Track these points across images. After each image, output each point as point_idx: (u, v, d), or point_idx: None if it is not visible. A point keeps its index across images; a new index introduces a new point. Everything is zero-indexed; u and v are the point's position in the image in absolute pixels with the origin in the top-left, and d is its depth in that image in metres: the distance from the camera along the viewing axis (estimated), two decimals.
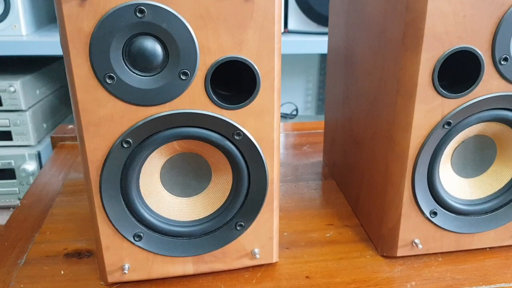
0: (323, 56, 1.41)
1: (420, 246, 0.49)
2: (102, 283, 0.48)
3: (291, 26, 1.01)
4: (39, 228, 0.60)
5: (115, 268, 0.47)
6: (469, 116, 0.45)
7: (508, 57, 0.43)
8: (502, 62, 0.43)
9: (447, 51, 0.42)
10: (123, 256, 0.46)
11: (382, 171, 0.49)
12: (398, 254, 0.50)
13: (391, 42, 0.45)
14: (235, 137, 0.43)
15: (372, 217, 0.54)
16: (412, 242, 0.50)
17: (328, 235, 0.57)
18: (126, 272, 0.46)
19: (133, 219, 0.45)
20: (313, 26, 1.00)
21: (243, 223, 0.47)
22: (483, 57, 0.43)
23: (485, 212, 0.50)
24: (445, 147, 0.46)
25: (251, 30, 0.40)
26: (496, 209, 0.50)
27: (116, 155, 0.42)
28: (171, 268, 0.48)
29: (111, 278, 0.47)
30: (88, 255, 0.54)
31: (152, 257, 0.47)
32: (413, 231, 0.49)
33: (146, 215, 0.45)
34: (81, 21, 0.37)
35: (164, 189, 0.47)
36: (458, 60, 0.44)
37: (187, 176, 0.47)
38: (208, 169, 0.47)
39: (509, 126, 0.47)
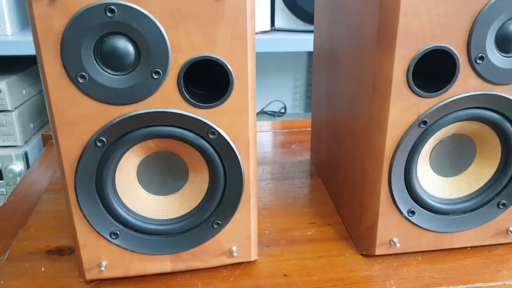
0: (311, 54, 1.40)
1: (398, 245, 0.49)
2: (81, 280, 0.49)
3: (278, 24, 1.01)
4: (24, 225, 0.60)
5: (92, 266, 0.47)
6: (445, 115, 0.45)
7: (484, 55, 0.42)
8: (478, 61, 0.43)
9: (421, 50, 0.41)
10: (100, 254, 0.47)
11: (360, 169, 0.49)
12: (377, 253, 0.50)
13: (367, 40, 0.45)
14: (210, 136, 0.43)
15: (352, 216, 0.54)
16: (391, 240, 0.50)
17: (309, 233, 0.57)
18: (103, 269, 0.47)
19: (110, 217, 0.45)
20: (299, 24, 1.00)
21: (220, 222, 0.47)
22: (458, 56, 0.42)
23: (464, 211, 0.50)
24: (422, 146, 0.46)
25: (223, 29, 0.40)
26: (475, 208, 0.50)
27: (90, 153, 0.42)
28: (148, 265, 0.48)
29: (88, 275, 0.47)
30: (70, 252, 0.54)
31: (130, 254, 0.47)
32: (391, 230, 0.49)
33: (123, 213, 0.46)
34: (52, 20, 0.37)
35: (141, 187, 0.47)
36: (434, 59, 0.44)
37: (164, 174, 0.47)
38: (185, 168, 0.47)
39: (487, 125, 0.47)
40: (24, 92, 1.04)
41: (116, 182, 0.45)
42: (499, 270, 0.50)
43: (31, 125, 1.08)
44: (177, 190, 0.48)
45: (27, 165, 1.03)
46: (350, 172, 0.53)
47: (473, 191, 0.50)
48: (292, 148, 0.82)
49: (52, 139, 0.88)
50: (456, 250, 0.53)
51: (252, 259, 0.51)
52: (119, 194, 0.46)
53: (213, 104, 0.42)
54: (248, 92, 0.43)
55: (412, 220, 0.49)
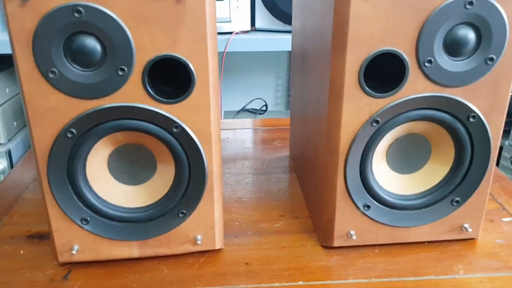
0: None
1: (354, 237, 0.52)
2: (55, 262, 0.52)
3: (258, 24, 1.04)
4: (9, 212, 0.64)
5: (65, 249, 0.50)
6: (397, 115, 0.47)
7: (432, 59, 0.45)
8: (426, 64, 0.45)
9: (371, 53, 0.44)
10: (72, 238, 0.50)
11: (321, 165, 0.52)
12: (335, 244, 0.53)
13: (326, 44, 0.47)
14: (174, 130, 0.46)
15: (316, 209, 0.57)
16: (348, 233, 0.52)
17: (277, 225, 0.60)
18: (75, 253, 0.50)
19: (80, 204, 0.49)
20: (279, 25, 1.03)
21: (185, 211, 0.50)
22: (407, 59, 0.45)
23: (419, 207, 0.52)
24: (377, 144, 0.48)
25: (184, 30, 0.43)
26: (430, 205, 0.52)
27: (61, 144, 0.45)
28: (117, 250, 0.51)
29: (61, 258, 0.51)
30: (49, 237, 0.57)
31: (100, 240, 0.51)
32: (349, 223, 0.52)
33: (93, 200, 0.49)
34: (24, 20, 0.40)
35: (111, 177, 0.50)
36: (390, 61, 0.46)
37: (133, 165, 0.50)
38: (153, 159, 0.50)
39: (440, 126, 0.49)
40: (7, 90, 1.06)
41: (87, 171, 0.48)
42: (452, 264, 0.52)
43: (15, 123, 1.10)
44: (146, 180, 0.51)
45: (11, 163, 1.06)
46: (314, 168, 0.56)
47: (427, 188, 0.52)
48: (273, 145, 0.85)
49: None
50: (413, 245, 0.55)
51: (217, 247, 0.54)
52: (90, 182, 0.49)
53: (176, 100, 0.45)
54: (210, 89, 0.46)
55: (368, 214, 0.51)
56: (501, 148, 1.33)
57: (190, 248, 0.52)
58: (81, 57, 0.42)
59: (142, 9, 0.41)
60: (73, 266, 0.52)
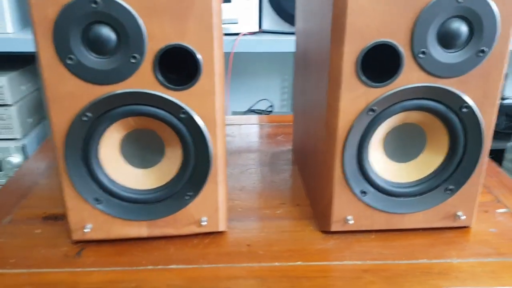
0: None
1: (351, 221, 0.54)
2: (69, 240, 0.55)
3: (265, 26, 1.07)
4: (27, 196, 0.67)
5: (78, 227, 0.54)
6: (393, 105, 0.50)
7: (425, 50, 0.47)
8: (420, 55, 0.47)
9: (368, 45, 0.47)
10: (85, 217, 0.53)
11: (320, 152, 0.55)
12: (332, 229, 0.56)
13: (326, 37, 0.50)
14: (181, 115, 0.49)
15: (315, 196, 0.59)
16: (345, 218, 0.55)
17: (278, 212, 0.63)
18: (88, 231, 0.53)
19: (94, 185, 0.52)
20: (285, 26, 1.06)
21: (191, 194, 0.53)
22: (402, 50, 0.47)
23: (414, 194, 0.55)
24: (373, 132, 0.51)
25: (192, 21, 0.46)
26: (424, 192, 0.54)
27: (77, 126, 0.49)
28: (128, 230, 0.54)
29: (75, 236, 0.54)
30: (63, 218, 0.61)
31: (111, 219, 0.54)
32: (346, 208, 0.54)
33: (105, 181, 0.52)
34: (45, 9, 0.44)
35: (123, 160, 0.54)
36: (386, 52, 0.49)
37: (143, 149, 0.53)
38: (161, 144, 0.53)
39: (434, 116, 0.52)
40: (23, 88, 1.11)
41: (100, 154, 0.52)
42: (444, 250, 0.54)
43: (29, 120, 1.15)
44: (155, 164, 0.54)
45: (26, 158, 1.10)
46: (314, 157, 0.59)
47: (422, 177, 0.55)
48: (277, 139, 0.88)
49: None
50: (408, 232, 0.57)
51: (221, 229, 0.56)
52: (102, 165, 0.52)
53: (184, 87, 0.48)
54: (215, 77, 0.49)
55: (364, 200, 0.54)
56: (503, 150, 1.34)
57: (195, 229, 0.55)
58: (97, 45, 0.46)
59: (154, 0, 0.45)
60: (86, 244, 0.55)
